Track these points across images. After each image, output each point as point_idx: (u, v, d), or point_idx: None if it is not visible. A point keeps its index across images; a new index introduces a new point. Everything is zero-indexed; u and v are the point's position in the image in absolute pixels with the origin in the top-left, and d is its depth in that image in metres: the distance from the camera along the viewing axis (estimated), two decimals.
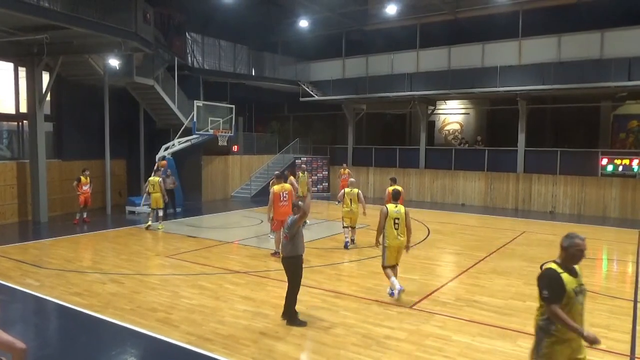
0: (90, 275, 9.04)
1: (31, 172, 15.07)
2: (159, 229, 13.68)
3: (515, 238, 13.25)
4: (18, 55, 14.84)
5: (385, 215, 7.61)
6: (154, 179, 13.86)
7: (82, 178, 14.53)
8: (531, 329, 6.42)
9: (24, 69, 15.15)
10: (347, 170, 20.13)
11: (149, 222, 13.80)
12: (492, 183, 20.38)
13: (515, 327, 6.58)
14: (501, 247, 11.93)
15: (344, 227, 11.74)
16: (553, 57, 18.61)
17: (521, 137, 19.89)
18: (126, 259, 10.35)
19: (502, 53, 19.84)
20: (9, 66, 15.57)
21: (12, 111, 15.86)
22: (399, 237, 7.61)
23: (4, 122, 16.32)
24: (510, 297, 7.92)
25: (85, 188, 14.53)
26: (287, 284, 6.75)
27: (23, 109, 15.64)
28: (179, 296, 7.81)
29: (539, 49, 19.06)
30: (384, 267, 7.79)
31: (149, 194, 14.01)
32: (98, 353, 5.83)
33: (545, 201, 19.17)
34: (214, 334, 6.23)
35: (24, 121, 15.77)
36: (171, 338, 6.13)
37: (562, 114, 22.45)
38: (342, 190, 12.18)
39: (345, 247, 11.53)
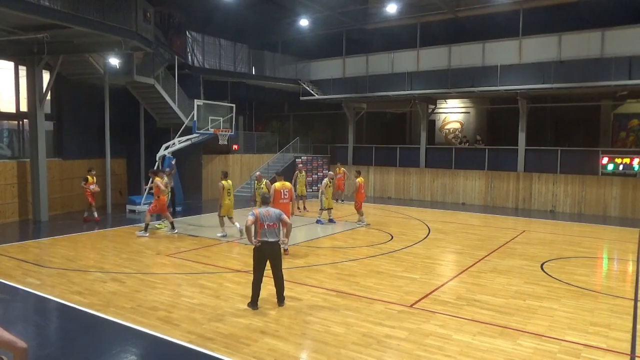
0: (91, 274, 9.05)
1: (31, 171, 15.07)
2: (157, 227, 13.73)
3: (515, 237, 13.26)
4: (18, 54, 14.84)
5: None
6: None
7: (89, 177, 14.64)
8: (532, 328, 6.47)
9: (24, 68, 15.15)
10: (342, 170, 20.28)
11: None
12: (492, 182, 20.38)
13: (515, 326, 6.58)
14: (501, 246, 11.94)
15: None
16: (553, 56, 18.61)
17: (521, 136, 19.89)
18: (127, 257, 10.35)
19: (502, 52, 19.84)
20: (9, 65, 15.58)
21: (13, 110, 15.87)
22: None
23: (5, 121, 16.32)
24: (510, 296, 7.92)
25: (93, 187, 14.63)
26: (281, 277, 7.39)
27: (23, 107, 15.64)
28: (180, 295, 7.82)
29: (540, 48, 19.06)
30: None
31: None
32: (99, 352, 5.83)
33: (546, 200, 19.18)
34: (214, 333, 6.24)
35: (25, 120, 15.78)
36: (172, 337, 6.13)
37: (563, 112, 22.47)
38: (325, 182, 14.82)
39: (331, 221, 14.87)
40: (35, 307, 7.67)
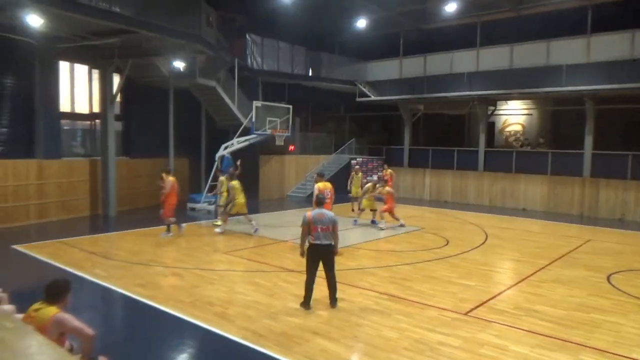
0: (153, 268, 9.51)
1: (102, 168, 16.01)
2: (214, 224, 14.16)
3: (580, 246, 12.59)
4: (92, 59, 15.82)
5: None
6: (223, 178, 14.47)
7: (164, 175, 15.16)
8: (595, 343, 6.13)
9: (97, 71, 16.18)
10: (389, 171, 20.14)
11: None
12: (555, 187, 19.44)
13: (577, 340, 6.27)
14: (564, 255, 11.38)
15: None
16: (625, 54, 17.48)
17: (588, 140, 18.86)
18: (186, 253, 10.79)
19: (568, 50, 18.88)
20: (84, 69, 16.66)
21: (86, 111, 16.96)
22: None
23: (79, 121, 17.46)
24: (573, 308, 7.54)
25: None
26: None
27: (96, 109, 16.69)
28: (235, 292, 8.05)
29: (610, 46, 17.96)
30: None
31: (221, 193, 14.49)
32: (159, 343, 6.13)
33: (614, 208, 18.03)
34: (267, 331, 6.38)
35: (96, 120, 16.82)
36: (227, 332, 6.32)
37: (634, 114, 21.00)
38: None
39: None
40: (102, 297, 8.17)
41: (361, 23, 22.91)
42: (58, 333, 3.91)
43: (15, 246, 11.11)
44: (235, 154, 17.83)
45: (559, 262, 10.72)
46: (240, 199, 13.10)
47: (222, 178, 14.65)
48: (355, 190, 17.37)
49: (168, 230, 12.60)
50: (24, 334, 2.39)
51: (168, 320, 6.88)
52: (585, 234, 14.74)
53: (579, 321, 6.96)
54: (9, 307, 4.91)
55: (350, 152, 24.62)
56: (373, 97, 23.96)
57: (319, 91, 24.93)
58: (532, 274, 9.58)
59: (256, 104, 17.57)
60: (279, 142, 18.45)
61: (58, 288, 4.20)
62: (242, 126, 18.18)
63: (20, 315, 4.17)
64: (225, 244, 11.94)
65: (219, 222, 14.33)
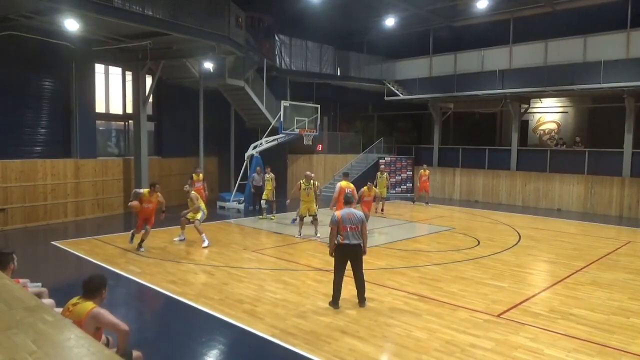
0: (185, 265, 9.66)
1: (135, 167, 16.39)
2: (271, 219, 15.27)
3: (619, 248, 12.15)
4: (126, 61, 16.22)
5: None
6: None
7: (194, 175, 15.52)
8: (636, 349, 5.90)
9: (130, 73, 16.57)
10: (427, 171, 19.84)
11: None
12: (592, 187, 18.82)
13: (616, 345, 6.04)
14: (602, 257, 11.00)
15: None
16: None
17: (628, 138, 18.17)
18: (216, 251, 10.92)
19: (606, 46, 18.23)
20: (118, 71, 17.08)
21: (120, 112, 17.39)
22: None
23: (113, 122, 17.92)
24: (611, 312, 7.28)
25: (198, 185, 15.32)
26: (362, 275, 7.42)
27: (129, 109, 17.09)
28: (264, 290, 8.10)
29: None
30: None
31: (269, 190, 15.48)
32: (190, 339, 6.21)
33: None
34: (296, 329, 6.39)
35: (130, 121, 17.22)
36: (256, 330, 6.37)
37: None
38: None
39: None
40: (136, 293, 8.34)
41: (390, 21, 22.71)
42: (94, 327, 4.01)
43: (54, 242, 11.50)
44: (262, 154, 17.97)
45: (597, 264, 10.37)
46: (202, 204, 11.87)
47: (271, 174, 15.42)
48: (380, 190, 17.26)
49: (131, 239, 11.23)
50: (63, 327, 2.45)
51: (199, 316, 6.97)
52: (624, 235, 14.23)
53: (618, 326, 6.72)
54: (48, 301, 5.07)
55: (379, 151, 24.47)
56: (402, 96, 23.74)
57: (347, 90, 24.85)
58: (567, 276, 9.30)
59: (284, 103, 17.65)
60: (307, 141, 18.48)
61: (94, 284, 4.31)
62: (271, 126, 18.29)
63: (59, 309, 4.30)
64: (254, 242, 12.04)
65: (273, 217, 14.68)
